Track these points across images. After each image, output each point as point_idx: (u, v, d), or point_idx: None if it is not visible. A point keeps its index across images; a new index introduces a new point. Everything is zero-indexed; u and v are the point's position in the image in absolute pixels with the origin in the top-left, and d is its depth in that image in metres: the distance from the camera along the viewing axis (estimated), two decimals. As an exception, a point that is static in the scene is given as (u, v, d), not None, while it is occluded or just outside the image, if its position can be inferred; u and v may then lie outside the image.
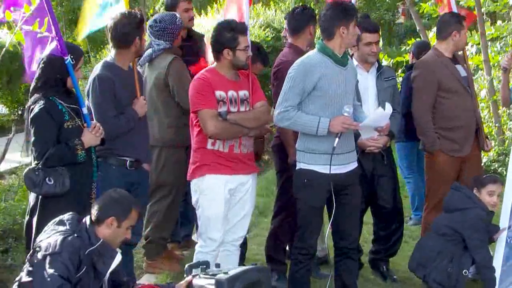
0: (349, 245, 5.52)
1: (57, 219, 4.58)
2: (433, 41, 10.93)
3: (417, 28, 12.32)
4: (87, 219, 4.56)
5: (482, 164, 7.05)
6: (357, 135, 5.82)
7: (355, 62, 6.19)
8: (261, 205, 8.79)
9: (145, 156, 5.77)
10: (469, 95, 6.41)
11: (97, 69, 5.66)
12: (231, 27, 5.34)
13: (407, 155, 8.37)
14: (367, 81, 6.24)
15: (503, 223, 6.01)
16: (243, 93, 5.44)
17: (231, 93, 5.38)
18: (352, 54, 6.33)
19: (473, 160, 6.47)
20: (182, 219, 7.09)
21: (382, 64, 6.66)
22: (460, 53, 6.72)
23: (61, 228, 4.46)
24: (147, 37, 6.39)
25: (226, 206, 5.43)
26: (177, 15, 6.55)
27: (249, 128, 5.40)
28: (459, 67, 6.46)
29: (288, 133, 5.99)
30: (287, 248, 6.55)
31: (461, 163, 6.43)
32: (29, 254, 4.53)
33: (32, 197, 5.12)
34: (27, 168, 5.01)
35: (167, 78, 6.33)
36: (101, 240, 4.46)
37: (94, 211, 4.55)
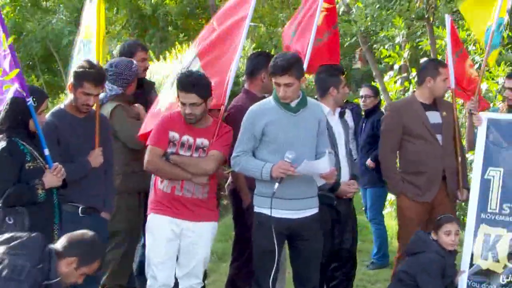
0: (309, 291, 5.49)
1: (24, 235, 4.41)
2: (389, 85, 11.13)
3: (373, 73, 12.51)
4: (52, 249, 4.42)
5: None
6: (338, 183, 5.92)
7: (326, 109, 6.09)
8: (219, 251, 8.74)
9: (101, 204, 5.70)
10: (437, 142, 6.39)
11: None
12: (177, 80, 5.42)
13: (378, 200, 8.44)
14: (338, 126, 6.22)
15: (463, 267, 6.07)
16: (200, 141, 5.47)
17: (186, 137, 5.42)
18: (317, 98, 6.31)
19: (442, 208, 6.39)
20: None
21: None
22: (448, 98, 6.67)
23: (27, 251, 4.30)
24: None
25: (171, 247, 5.45)
26: (134, 62, 6.54)
27: (190, 173, 5.42)
28: (432, 113, 6.44)
29: (240, 178, 6.04)
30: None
31: (431, 209, 6.42)
32: None
33: None
34: None
35: (112, 125, 6.28)
36: (58, 278, 4.33)
37: (62, 242, 4.45)
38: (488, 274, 6.00)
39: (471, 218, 6.18)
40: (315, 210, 5.50)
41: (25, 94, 4.96)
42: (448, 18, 6.85)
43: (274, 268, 5.30)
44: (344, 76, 6.28)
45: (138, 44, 7.35)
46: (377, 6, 10.36)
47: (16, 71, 4.87)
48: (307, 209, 5.42)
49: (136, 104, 6.56)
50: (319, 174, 5.31)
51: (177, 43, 19.14)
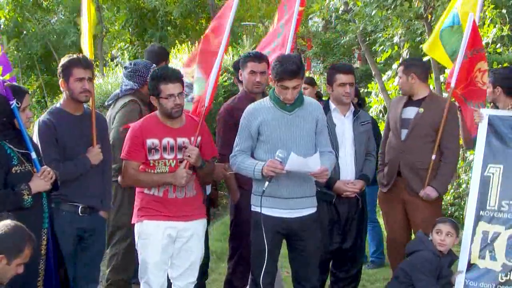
0: (308, 291, 5.48)
1: None
2: (389, 84, 11.10)
3: (373, 72, 12.49)
4: None
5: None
6: (334, 181, 5.95)
7: (332, 106, 6.22)
8: (218, 250, 8.72)
9: (99, 203, 5.66)
10: (399, 136, 6.44)
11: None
12: (155, 76, 5.38)
13: (374, 199, 8.42)
14: (344, 125, 6.22)
15: (461, 267, 6.06)
16: (182, 140, 5.43)
17: (166, 140, 5.38)
18: (329, 97, 6.36)
19: (415, 204, 6.42)
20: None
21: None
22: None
23: None
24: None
25: (166, 252, 5.43)
26: (154, 64, 6.58)
27: (169, 177, 5.37)
28: (410, 109, 6.46)
29: (229, 176, 6.09)
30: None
31: (403, 204, 6.49)
32: None
33: None
34: None
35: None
36: None
37: None
38: (485, 273, 5.99)
39: (469, 216, 6.16)
40: (312, 210, 5.48)
41: (8, 97, 4.84)
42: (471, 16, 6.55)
43: (264, 266, 5.27)
44: (344, 74, 6.21)
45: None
46: (376, 5, 10.33)
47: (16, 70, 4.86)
48: (303, 208, 5.41)
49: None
50: (308, 172, 5.28)
51: (177, 42, 19.14)
